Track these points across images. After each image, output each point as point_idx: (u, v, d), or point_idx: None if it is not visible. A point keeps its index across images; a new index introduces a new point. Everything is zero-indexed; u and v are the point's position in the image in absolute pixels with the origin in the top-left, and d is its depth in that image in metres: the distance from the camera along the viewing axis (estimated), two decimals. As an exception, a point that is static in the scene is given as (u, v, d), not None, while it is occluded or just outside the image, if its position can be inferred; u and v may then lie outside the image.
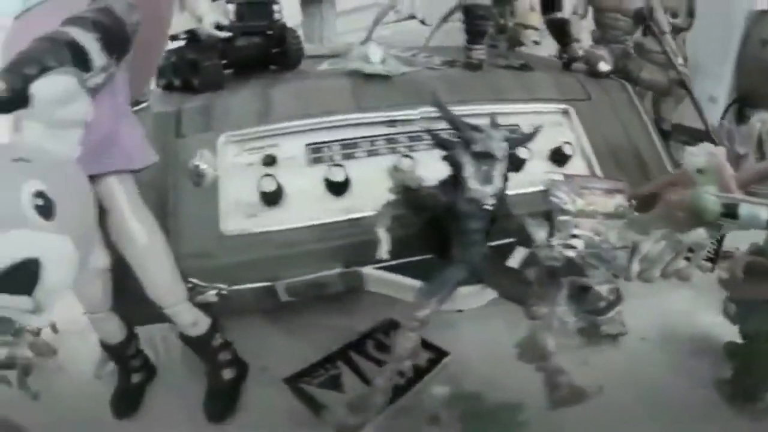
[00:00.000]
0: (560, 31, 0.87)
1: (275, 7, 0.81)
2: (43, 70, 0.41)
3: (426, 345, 0.60)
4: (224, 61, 0.75)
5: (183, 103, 0.67)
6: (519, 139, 0.56)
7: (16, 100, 0.40)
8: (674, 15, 0.97)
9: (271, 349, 0.66)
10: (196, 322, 0.57)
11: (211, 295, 0.60)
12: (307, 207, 0.60)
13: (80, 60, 0.44)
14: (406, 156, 0.62)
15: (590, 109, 0.78)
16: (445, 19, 1.06)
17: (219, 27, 0.71)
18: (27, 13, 0.55)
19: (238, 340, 0.62)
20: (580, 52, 0.84)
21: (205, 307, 0.58)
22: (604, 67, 0.80)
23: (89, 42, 0.45)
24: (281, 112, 0.64)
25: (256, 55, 0.79)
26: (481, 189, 0.51)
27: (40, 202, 0.35)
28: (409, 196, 0.55)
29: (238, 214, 0.59)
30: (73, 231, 0.37)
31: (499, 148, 0.51)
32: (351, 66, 0.70)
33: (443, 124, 0.64)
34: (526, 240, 0.57)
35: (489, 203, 0.51)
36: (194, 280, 0.58)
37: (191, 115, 0.64)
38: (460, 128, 0.53)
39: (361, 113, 0.65)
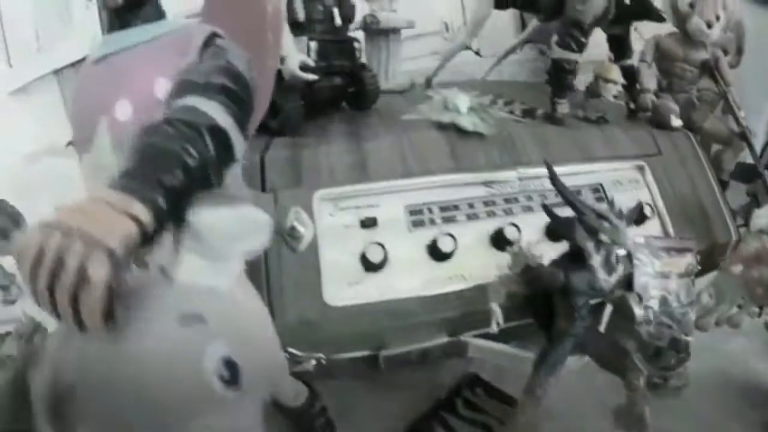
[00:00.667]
0: (630, 79, 0.88)
1: (356, 45, 0.77)
2: (189, 175, 0.33)
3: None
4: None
5: (263, 150, 0.62)
6: (630, 218, 0.57)
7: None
8: (724, 52, 0.99)
9: (356, 408, 0.65)
10: (298, 394, 0.56)
11: (309, 365, 0.58)
12: (410, 273, 0.58)
13: (224, 150, 0.38)
14: (513, 225, 0.61)
15: (661, 164, 0.79)
16: (506, 55, 1.03)
17: (304, 68, 0.67)
18: (113, 57, 0.48)
19: (326, 400, 0.61)
20: (650, 103, 0.85)
21: (299, 375, 0.57)
22: (676, 122, 0.80)
23: (229, 123, 0.39)
24: (379, 169, 0.61)
25: (334, 96, 0.76)
26: (608, 279, 0.51)
27: (225, 372, 0.29)
28: (528, 275, 0.55)
29: (340, 281, 0.57)
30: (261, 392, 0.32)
31: (626, 240, 0.52)
32: (443, 119, 0.67)
33: (539, 185, 0.66)
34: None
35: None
36: (292, 351, 0.57)
37: (277, 167, 0.60)
38: (585, 214, 0.53)
39: (461, 174, 0.63)
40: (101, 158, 0.45)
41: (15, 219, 0.94)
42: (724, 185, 0.93)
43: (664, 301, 0.69)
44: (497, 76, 1.10)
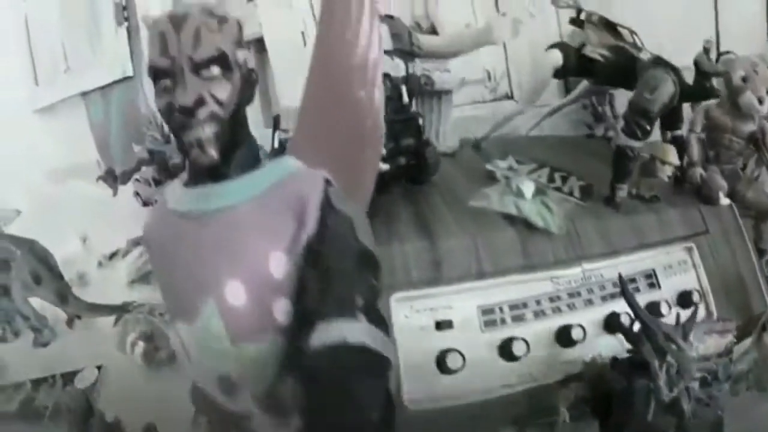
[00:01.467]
0: (679, 149, 0.89)
1: (420, 121, 0.77)
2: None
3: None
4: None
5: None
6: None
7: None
8: (760, 101, 1.00)
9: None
10: None
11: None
12: (483, 375, 0.62)
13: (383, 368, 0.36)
14: (579, 326, 0.64)
15: (708, 242, 0.82)
16: (552, 113, 1.03)
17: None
18: (210, 217, 0.40)
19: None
20: (699, 177, 0.86)
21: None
22: (724, 201, 0.82)
23: (379, 339, 0.36)
24: (454, 270, 0.63)
25: (398, 175, 0.77)
26: (669, 394, 0.55)
27: None
28: (595, 379, 0.59)
29: (417, 382, 0.60)
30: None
31: (691, 366, 0.56)
32: (512, 211, 0.68)
33: (600, 278, 0.68)
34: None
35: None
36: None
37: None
38: (656, 335, 0.56)
39: (531, 273, 0.66)
40: (208, 339, 0.41)
41: (46, 261, 0.94)
42: (761, 253, 0.97)
43: (704, 382, 0.75)
44: (538, 131, 1.10)
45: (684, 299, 0.76)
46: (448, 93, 0.95)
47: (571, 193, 0.79)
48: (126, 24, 1.42)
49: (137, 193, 1.45)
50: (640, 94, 0.72)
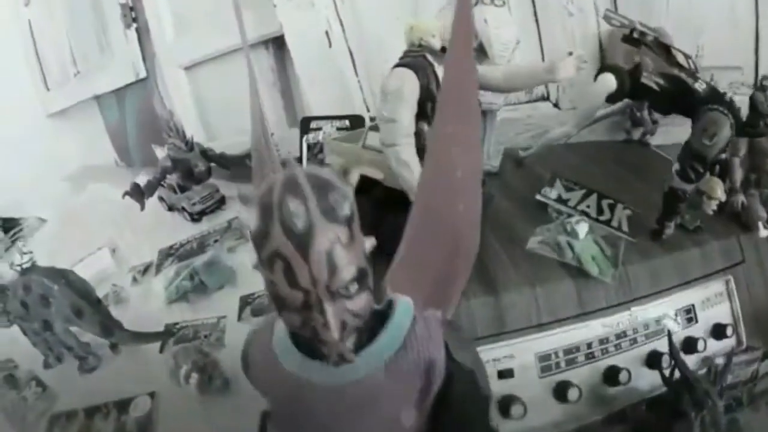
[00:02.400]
0: (721, 172, 0.88)
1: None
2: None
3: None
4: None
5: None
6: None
7: None
8: None
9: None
10: None
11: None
12: (540, 417, 0.65)
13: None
14: (626, 370, 0.67)
15: (744, 272, 0.85)
16: (593, 123, 0.99)
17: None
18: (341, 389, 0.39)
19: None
20: (740, 204, 0.87)
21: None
22: (764, 233, 0.83)
23: None
24: (515, 323, 0.65)
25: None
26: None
27: None
28: (638, 421, 0.64)
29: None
30: None
31: (722, 421, 0.60)
32: (569, 260, 0.69)
33: (644, 318, 0.71)
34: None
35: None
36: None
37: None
38: (695, 390, 0.62)
39: (585, 320, 0.68)
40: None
41: (85, 292, 0.93)
42: None
43: (729, 408, 0.81)
44: (576, 137, 1.07)
45: (718, 331, 0.80)
46: (493, 112, 0.93)
47: (619, 227, 0.79)
48: (135, 25, 1.31)
49: (162, 198, 1.44)
50: (698, 140, 0.70)
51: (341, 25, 1.12)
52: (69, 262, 1.25)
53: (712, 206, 0.82)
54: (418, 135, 0.67)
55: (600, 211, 0.81)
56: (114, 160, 1.48)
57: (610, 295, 0.70)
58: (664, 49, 0.84)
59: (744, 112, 0.84)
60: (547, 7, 1.08)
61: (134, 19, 1.37)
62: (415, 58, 0.69)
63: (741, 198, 0.88)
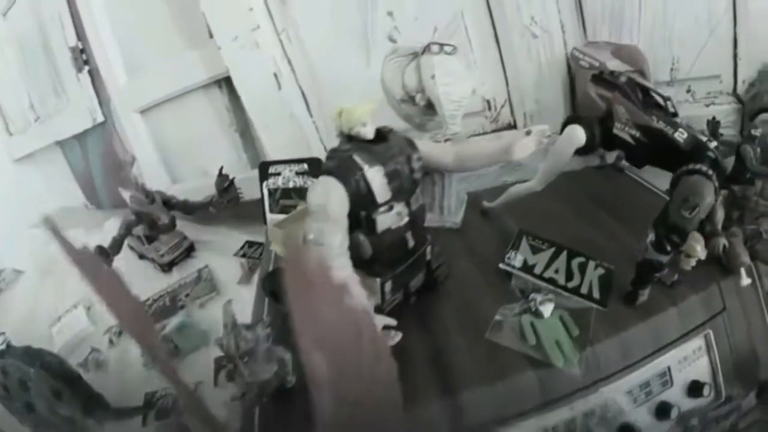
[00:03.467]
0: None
1: (428, 254, 0.67)
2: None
3: None
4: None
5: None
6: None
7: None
8: None
9: None
10: None
11: None
12: None
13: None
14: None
15: (724, 322, 0.76)
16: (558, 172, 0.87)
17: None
18: None
19: None
20: (722, 248, 0.77)
21: None
22: (745, 281, 0.74)
23: None
24: (476, 420, 0.58)
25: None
26: None
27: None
28: None
29: None
30: None
31: None
32: (535, 354, 0.61)
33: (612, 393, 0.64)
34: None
35: None
36: None
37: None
38: None
39: (551, 410, 0.60)
40: None
41: (63, 373, 0.88)
42: None
43: (706, 461, 0.75)
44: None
45: (694, 389, 0.72)
46: None
47: (590, 294, 0.70)
48: (87, 68, 1.20)
49: (132, 247, 1.36)
50: (677, 210, 0.60)
51: (290, 65, 1.00)
52: (48, 320, 1.21)
53: (691, 264, 0.73)
54: (357, 246, 0.58)
55: (569, 276, 0.71)
56: (84, 203, 1.40)
57: (576, 378, 0.62)
58: (641, 90, 0.72)
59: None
60: (508, 30, 0.94)
61: (86, 62, 1.26)
62: (343, 160, 0.57)
63: (722, 241, 0.77)
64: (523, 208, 0.86)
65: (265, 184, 1.08)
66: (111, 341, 1.11)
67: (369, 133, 0.58)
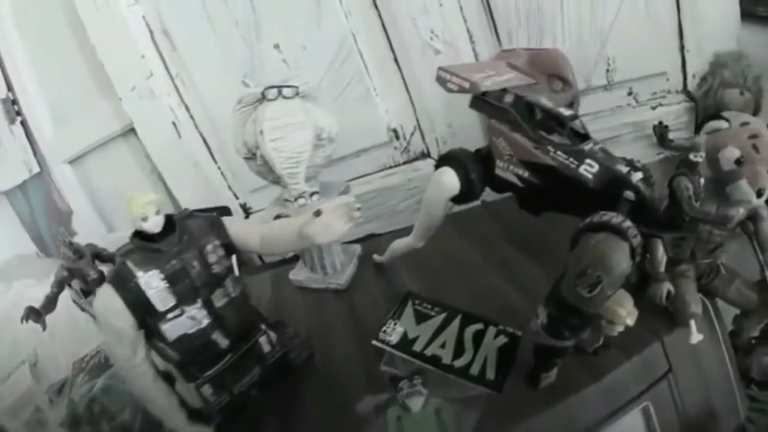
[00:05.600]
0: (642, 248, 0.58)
1: (263, 341, 0.52)
2: None
3: None
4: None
5: None
6: None
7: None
8: (759, 193, 0.60)
9: None
10: None
11: None
12: None
13: None
14: None
15: (670, 386, 0.56)
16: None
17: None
18: None
19: None
20: (666, 294, 0.57)
21: None
22: (695, 338, 0.53)
23: None
24: None
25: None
26: None
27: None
28: None
29: None
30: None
31: None
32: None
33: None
34: None
35: None
36: None
37: None
38: None
39: None
40: None
41: None
42: (737, 352, 0.69)
43: None
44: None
45: None
46: None
47: (481, 375, 0.51)
48: (20, 119, 1.12)
49: (74, 300, 1.28)
50: (571, 286, 0.39)
51: (188, 111, 0.86)
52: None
53: (616, 330, 0.52)
54: (162, 352, 0.46)
55: (458, 351, 0.53)
56: (35, 251, 1.34)
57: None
58: (544, 112, 0.49)
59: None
60: (407, 50, 0.76)
61: (17, 113, 1.18)
62: (119, 265, 0.45)
63: (666, 287, 0.57)
64: (427, 255, 0.66)
65: (179, 235, 0.96)
66: (51, 400, 1.03)
67: (153, 227, 0.45)
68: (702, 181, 0.49)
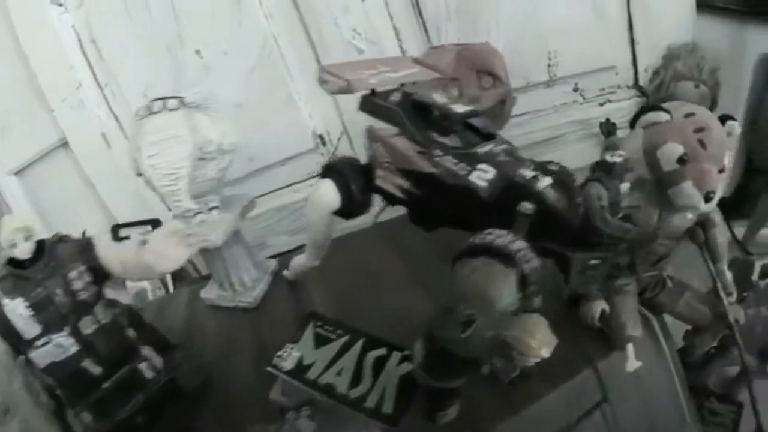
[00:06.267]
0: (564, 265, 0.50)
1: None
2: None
3: None
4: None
5: None
6: None
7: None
8: (708, 197, 0.52)
9: None
10: None
11: None
12: None
13: None
14: None
15: (605, 417, 0.47)
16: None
17: None
18: None
19: None
20: (598, 315, 0.49)
21: None
22: (632, 365, 0.45)
23: None
24: None
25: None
26: None
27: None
28: None
29: None
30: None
31: None
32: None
33: None
34: None
35: None
36: None
37: None
38: None
39: None
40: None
41: None
42: (689, 366, 0.58)
43: None
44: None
45: None
46: (236, 233, 0.59)
47: (377, 408, 0.43)
48: None
49: None
50: (441, 325, 0.31)
51: (118, 122, 0.81)
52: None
53: (530, 362, 0.43)
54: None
55: (355, 379, 0.45)
56: None
57: None
58: (441, 113, 0.40)
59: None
60: (329, 50, 0.69)
61: None
62: None
63: (599, 306, 0.49)
64: (346, 268, 0.60)
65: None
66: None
67: (21, 254, 0.43)
68: (625, 186, 0.40)
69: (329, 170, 0.43)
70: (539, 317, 0.42)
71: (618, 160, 0.39)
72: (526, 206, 0.33)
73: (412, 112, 0.40)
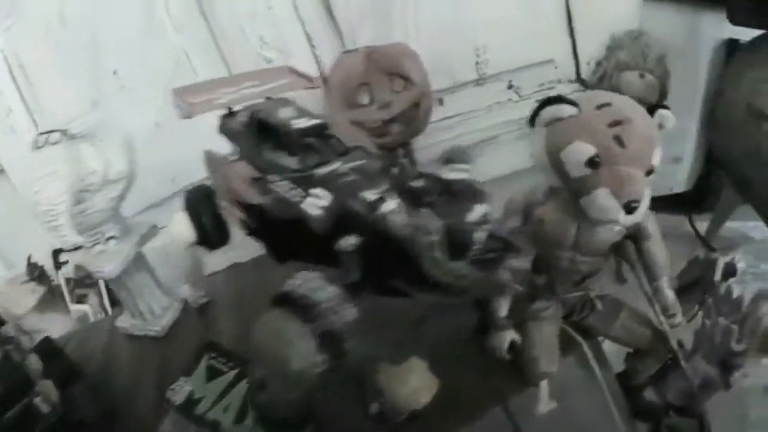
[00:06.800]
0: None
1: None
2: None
3: None
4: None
5: None
6: None
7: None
8: (628, 208, 0.42)
9: None
10: None
11: None
12: None
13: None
14: None
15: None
16: None
17: None
18: None
19: None
20: (506, 349, 0.42)
21: None
22: (545, 407, 0.39)
23: None
24: None
25: None
26: None
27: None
28: None
29: None
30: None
31: None
32: None
33: None
34: None
35: None
36: None
37: None
38: None
39: None
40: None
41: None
42: (632, 389, 0.50)
43: None
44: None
45: None
46: (141, 256, 0.55)
47: None
48: None
49: None
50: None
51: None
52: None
53: (406, 410, 0.36)
54: None
55: (241, 414, 0.40)
56: None
57: None
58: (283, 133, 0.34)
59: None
60: (238, 63, 0.63)
61: None
62: None
63: (509, 336, 0.42)
64: (260, 293, 0.54)
65: (60, 273, 0.90)
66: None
67: None
68: (478, 210, 0.27)
69: (185, 201, 0.38)
70: (416, 360, 0.36)
71: (461, 176, 0.28)
72: (348, 241, 0.27)
73: (258, 132, 0.35)
